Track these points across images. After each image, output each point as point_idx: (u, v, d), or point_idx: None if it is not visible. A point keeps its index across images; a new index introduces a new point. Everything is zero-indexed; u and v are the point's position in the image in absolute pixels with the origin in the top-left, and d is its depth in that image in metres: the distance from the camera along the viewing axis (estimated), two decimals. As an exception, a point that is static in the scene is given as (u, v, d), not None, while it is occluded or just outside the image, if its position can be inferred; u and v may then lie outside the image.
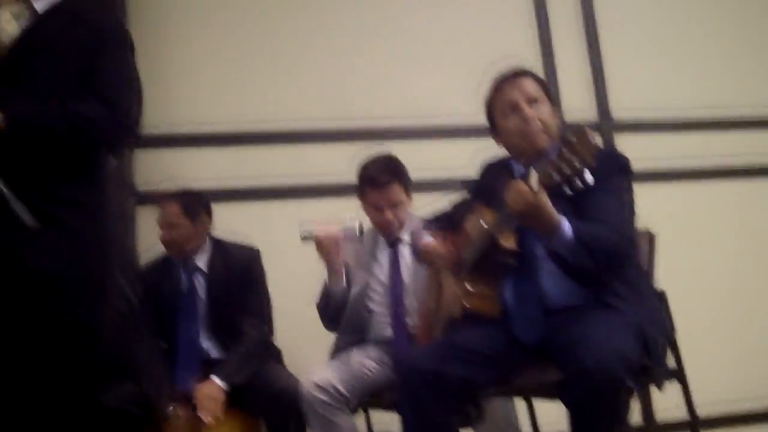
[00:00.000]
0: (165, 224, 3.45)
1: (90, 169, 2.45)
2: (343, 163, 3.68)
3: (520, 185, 2.27)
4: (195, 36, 4.31)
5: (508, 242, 2.49)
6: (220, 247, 3.52)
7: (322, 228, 3.24)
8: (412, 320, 3.27)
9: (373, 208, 3.35)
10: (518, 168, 2.69)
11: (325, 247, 3.24)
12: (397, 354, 3.21)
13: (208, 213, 3.54)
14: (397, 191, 3.32)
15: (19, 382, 2.18)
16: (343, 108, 4.28)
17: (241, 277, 3.44)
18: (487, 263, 2.56)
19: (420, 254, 2.90)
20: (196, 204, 3.49)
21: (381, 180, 3.29)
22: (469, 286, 2.61)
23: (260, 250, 3.54)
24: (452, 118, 4.33)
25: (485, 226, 2.56)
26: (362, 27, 4.44)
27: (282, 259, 3.60)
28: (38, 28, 2.41)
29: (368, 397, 3.21)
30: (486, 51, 4.12)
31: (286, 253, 3.55)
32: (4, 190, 1.87)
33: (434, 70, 4.43)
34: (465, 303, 2.60)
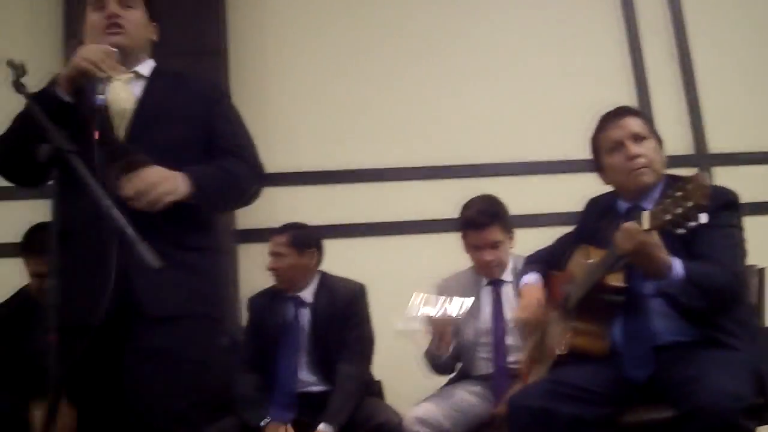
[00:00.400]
0: (273, 253, 3.55)
1: (211, 215, 2.52)
2: (446, 199, 3.72)
3: (632, 227, 2.29)
4: (297, 75, 4.47)
5: (616, 280, 2.50)
6: (326, 282, 3.59)
7: (427, 313, 3.19)
8: (513, 358, 3.30)
9: (473, 248, 3.39)
10: (623, 205, 2.70)
11: (432, 332, 3.23)
12: (498, 390, 3.24)
13: (318, 248, 3.62)
14: (496, 232, 3.35)
15: (137, 414, 2.26)
16: (446, 145, 4.34)
17: (344, 312, 3.50)
18: (593, 301, 2.57)
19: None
20: (305, 237, 3.57)
21: (481, 221, 3.33)
22: (575, 324, 2.63)
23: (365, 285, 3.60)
24: (553, 154, 4.36)
25: (592, 264, 2.58)
26: (466, 68, 4.51)
27: (383, 293, 3.66)
28: (152, 91, 2.43)
29: (469, 432, 3.24)
30: (583, 88, 4.15)
31: (387, 287, 3.60)
32: (129, 232, 1.94)
33: (535, 109, 4.47)
34: (571, 340, 2.61)
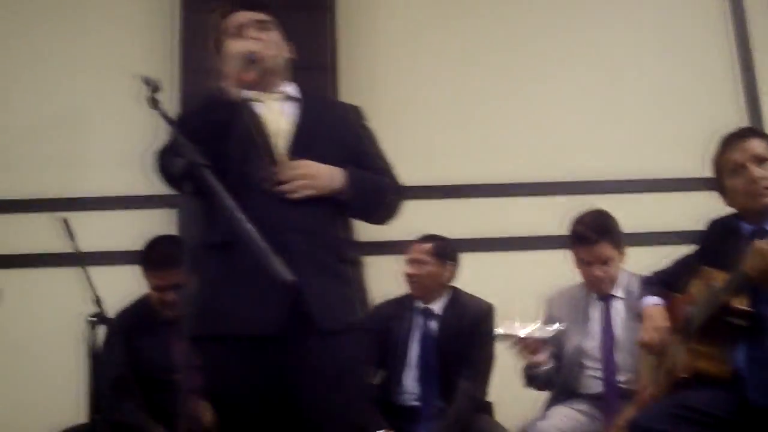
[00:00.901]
0: (413, 261, 3.60)
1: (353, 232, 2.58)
2: (556, 216, 3.69)
3: (763, 247, 2.25)
4: (405, 90, 4.54)
5: (741, 303, 2.46)
6: (458, 297, 3.62)
7: (513, 332, 3.17)
8: (624, 376, 3.27)
9: (583, 264, 3.37)
10: (747, 227, 2.66)
11: (521, 350, 3.22)
12: (609, 410, 3.21)
13: (456, 262, 3.66)
14: (606, 249, 3.31)
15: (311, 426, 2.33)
16: (557, 161, 4.33)
17: (471, 329, 3.52)
18: (717, 324, 2.54)
19: (641, 318, 2.91)
20: (447, 249, 3.63)
21: (590, 238, 3.30)
22: (697, 347, 2.60)
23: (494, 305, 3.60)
24: (666, 172, 4.31)
25: (715, 286, 2.54)
26: (578, 84, 4.49)
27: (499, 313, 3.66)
28: (307, 113, 2.48)
29: (577, 451, 3.22)
30: (694, 106, 4.10)
31: (496, 302, 3.61)
32: (261, 245, 1.99)
33: (647, 126, 4.42)
34: (693, 363, 2.58)
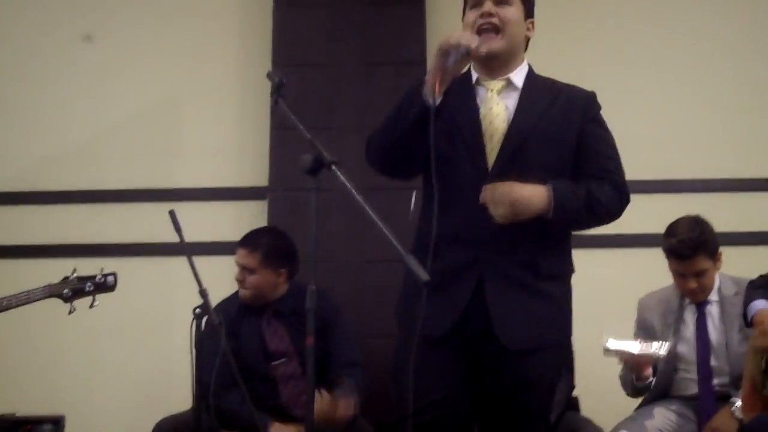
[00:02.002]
0: None
1: (568, 242, 2.47)
2: (649, 214, 3.68)
3: None
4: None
5: None
6: None
7: (628, 352, 3.12)
8: (718, 379, 3.27)
9: (677, 275, 3.34)
10: None
11: (630, 366, 3.23)
12: (704, 413, 3.21)
13: None
14: (701, 262, 3.26)
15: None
16: (645, 159, 4.23)
17: None
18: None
19: (749, 323, 2.89)
20: None
21: (684, 253, 3.24)
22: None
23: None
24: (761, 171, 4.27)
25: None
26: (663, 79, 4.38)
27: (586, 310, 3.65)
28: (526, 108, 2.36)
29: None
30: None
31: (589, 304, 3.60)
32: (400, 248, 1.99)
33: (737, 124, 4.36)
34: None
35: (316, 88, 4.15)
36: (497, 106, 2.36)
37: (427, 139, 2.18)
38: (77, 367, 4.15)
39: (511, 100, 2.38)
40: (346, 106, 4.14)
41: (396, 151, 2.32)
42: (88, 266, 3.96)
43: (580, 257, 2.48)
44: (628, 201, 2.43)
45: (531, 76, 2.44)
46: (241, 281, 3.42)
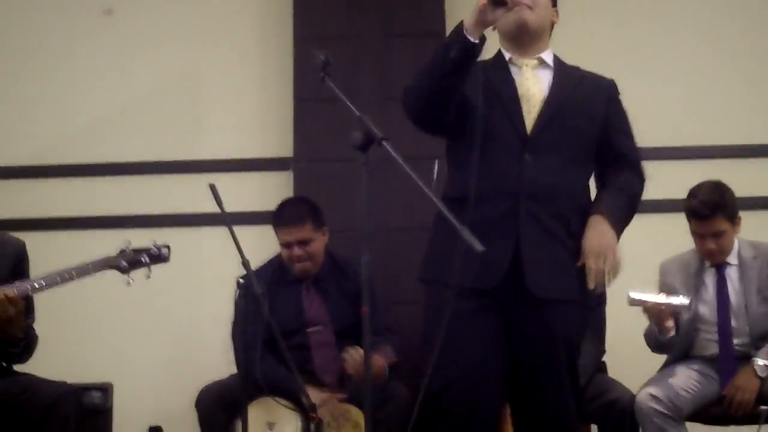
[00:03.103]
0: None
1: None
2: (673, 181, 3.76)
3: None
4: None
5: None
6: None
7: (652, 301, 3.26)
8: (738, 340, 3.40)
9: (697, 236, 3.45)
10: None
11: (653, 316, 3.34)
12: (725, 373, 3.35)
13: None
14: (720, 223, 3.37)
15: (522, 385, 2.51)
16: (663, 125, 4.27)
17: None
18: None
19: None
20: None
21: (704, 213, 3.36)
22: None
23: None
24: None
25: None
26: (678, 47, 4.39)
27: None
28: (560, 82, 2.53)
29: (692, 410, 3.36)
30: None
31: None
32: (450, 218, 2.08)
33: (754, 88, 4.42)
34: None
35: (337, 60, 4.09)
36: (533, 78, 2.54)
37: (468, 73, 2.34)
38: (118, 337, 4.23)
39: (545, 75, 2.55)
40: (367, 78, 4.19)
41: (434, 97, 2.38)
42: (114, 238, 4.06)
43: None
44: (646, 179, 2.64)
45: (557, 59, 2.61)
46: (299, 256, 3.48)
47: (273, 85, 4.39)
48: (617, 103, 2.62)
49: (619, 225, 2.48)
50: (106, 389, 3.50)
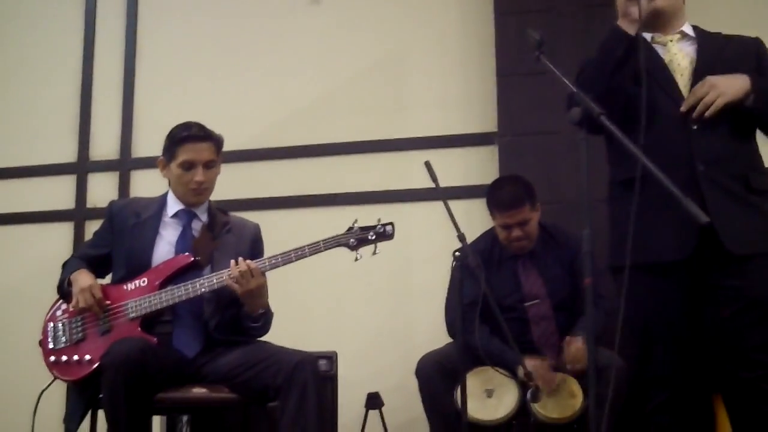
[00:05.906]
0: None
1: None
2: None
3: None
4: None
5: None
6: None
7: None
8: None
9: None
10: None
11: None
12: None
13: None
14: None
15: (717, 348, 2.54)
16: None
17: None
18: None
19: None
20: None
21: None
22: None
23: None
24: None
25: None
26: None
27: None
28: (705, 50, 2.64)
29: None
30: None
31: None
32: (676, 190, 2.08)
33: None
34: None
35: (537, 33, 4.21)
36: (679, 52, 2.65)
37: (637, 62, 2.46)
38: (340, 309, 4.47)
39: (690, 47, 2.67)
40: (567, 50, 4.16)
41: (605, 80, 2.54)
42: (324, 216, 4.29)
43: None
44: None
45: (698, 29, 2.72)
46: (518, 237, 3.54)
47: (475, 62, 4.49)
48: (766, 58, 2.67)
49: (762, 88, 2.50)
50: (331, 357, 3.67)
